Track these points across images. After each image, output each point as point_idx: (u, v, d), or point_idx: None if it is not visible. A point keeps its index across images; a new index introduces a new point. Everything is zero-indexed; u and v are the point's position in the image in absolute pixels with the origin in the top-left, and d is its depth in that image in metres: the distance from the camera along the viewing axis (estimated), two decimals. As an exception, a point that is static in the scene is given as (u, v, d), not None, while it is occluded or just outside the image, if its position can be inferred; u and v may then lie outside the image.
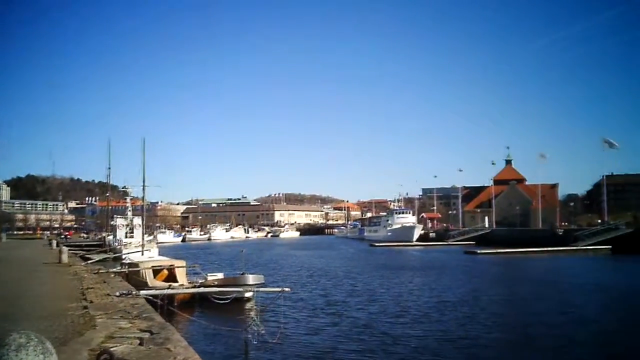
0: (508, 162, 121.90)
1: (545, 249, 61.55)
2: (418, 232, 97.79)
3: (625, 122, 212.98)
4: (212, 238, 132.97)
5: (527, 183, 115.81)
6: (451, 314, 22.14)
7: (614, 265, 48.15)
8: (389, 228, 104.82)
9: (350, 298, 26.91)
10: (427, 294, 28.38)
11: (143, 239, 49.67)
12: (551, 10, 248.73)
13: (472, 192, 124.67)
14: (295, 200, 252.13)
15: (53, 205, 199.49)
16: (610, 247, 60.77)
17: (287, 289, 22.52)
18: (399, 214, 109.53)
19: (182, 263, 29.09)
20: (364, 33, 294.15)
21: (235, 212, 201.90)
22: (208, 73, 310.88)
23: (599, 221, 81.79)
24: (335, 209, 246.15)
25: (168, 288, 23.42)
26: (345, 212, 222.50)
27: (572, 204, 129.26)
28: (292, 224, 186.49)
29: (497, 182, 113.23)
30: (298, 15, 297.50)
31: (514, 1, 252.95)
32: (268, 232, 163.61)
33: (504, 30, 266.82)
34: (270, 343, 16.00)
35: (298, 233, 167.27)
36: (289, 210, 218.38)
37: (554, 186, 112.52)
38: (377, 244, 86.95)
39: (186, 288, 25.09)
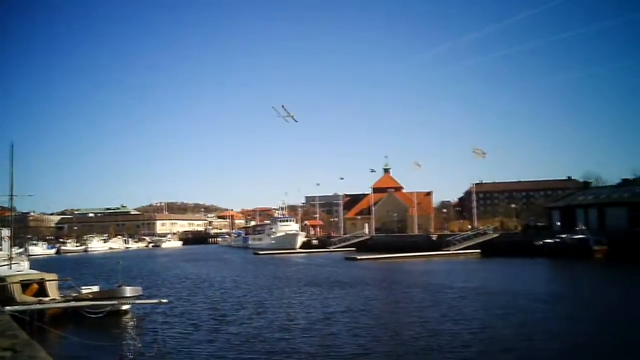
0: (386, 170, 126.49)
1: (421, 253, 64.38)
2: (301, 239, 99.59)
3: (493, 132, 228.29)
4: (88, 249, 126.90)
5: (404, 191, 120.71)
6: (340, 325, 21.65)
7: (484, 268, 50.75)
8: (272, 236, 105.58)
9: (234, 310, 26.28)
10: (316, 304, 27.98)
11: (11, 251, 46.52)
12: (435, 25, 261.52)
13: (353, 200, 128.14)
14: (177, 209, 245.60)
15: None
16: (479, 251, 64.93)
17: (164, 301, 22.22)
18: (283, 222, 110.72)
19: (54, 276, 27.56)
20: (230, 33, 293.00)
21: (114, 222, 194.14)
22: (85, 73, 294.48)
23: (470, 227, 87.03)
24: (219, 217, 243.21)
25: (37, 303, 22.36)
26: (230, 220, 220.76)
27: (445, 210, 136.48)
28: (174, 234, 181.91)
29: (376, 190, 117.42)
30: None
31: (402, 14, 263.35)
32: (149, 242, 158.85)
33: (387, 42, 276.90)
34: (147, 357, 15.66)
35: (181, 242, 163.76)
36: (171, 219, 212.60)
37: (428, 194, 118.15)
38: (260, 252, 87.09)
39: (57, 302, 23.93)
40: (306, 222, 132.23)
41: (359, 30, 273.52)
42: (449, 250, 65.83)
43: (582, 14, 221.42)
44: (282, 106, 73.66)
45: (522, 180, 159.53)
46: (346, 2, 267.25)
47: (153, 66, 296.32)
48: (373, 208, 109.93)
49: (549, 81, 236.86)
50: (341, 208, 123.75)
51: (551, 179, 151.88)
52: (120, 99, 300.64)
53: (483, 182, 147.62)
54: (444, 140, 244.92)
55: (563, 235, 57.59)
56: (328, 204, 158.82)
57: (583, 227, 56.84)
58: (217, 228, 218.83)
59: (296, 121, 78.58)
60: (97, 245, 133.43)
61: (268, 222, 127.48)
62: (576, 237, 55.45)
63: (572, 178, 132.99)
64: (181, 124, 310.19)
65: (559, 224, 66.23)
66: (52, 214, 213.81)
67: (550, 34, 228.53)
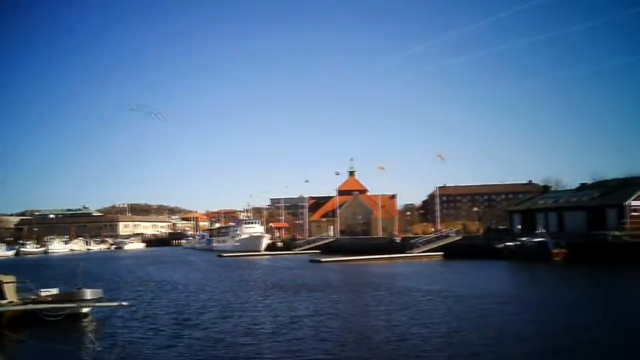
0: (351, 173, 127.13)
1: (385, 256, 64.99)
2: (266, 241, 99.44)
3: (457, 136, 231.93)
4: (49, 251, 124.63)
5: (369, 193, 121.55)
6: (306, 329, 21.32)
7: (447, 270, 51.11)
8: (237, 238, 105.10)
9: (198, 314, 25.83)
10: (282, 307, 27.65)
11: (-34, 254, 45.32)
12: (397, 29, 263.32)
13: (318, 202, 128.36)
14: (141, 211, 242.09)
15: None
16: (442, 253, 65.64)
17: (125, 304, 21.94)
18: (247, 224, 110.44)
19: (12, 278, 26.81)
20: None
21: (76, 223, 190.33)
22: (44, 71, 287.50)
23: (433, 229, 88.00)
24: (183, 219, 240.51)
25: (-6, 306, 21.84)
26: (194, 222, 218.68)
27: (409, 213, 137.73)
28: (137, 235, 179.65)
29: (341, 192, 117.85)
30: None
31: (365, 19, 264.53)
32: (111, 244, 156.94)
33: (352, 46, 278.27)
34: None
35: (144, 244, 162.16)
36: (134, 221, 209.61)
37: (393, 196, 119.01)
38: (225, 255, 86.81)
39: (15, 305, 23.33)
40: (271, 224, 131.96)
41: (330, 28, 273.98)
42: (412, 253, 66.36)
43: (544, 20, 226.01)
44: (145, 107, 71.48)
45: (485, 184, 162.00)
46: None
47: (126, 66, 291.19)
48: (338, 210, 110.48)
49: (510, 86, 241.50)
50: (306, 210, 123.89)
51: (512, 182, 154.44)
52: (83, 98, 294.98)
53: (446, 185, 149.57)
54: (408, 144, 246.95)
55: (523, 238, 58.71)
56: (293, 206, 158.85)
57: (543, 231, 57.97)
58: (181, 230, 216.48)
59: (165, 120, 76.16)
60: (57, 247, 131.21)
61: (232, 224, 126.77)
62: (536, 240, 56.57)
63: (533, 182, 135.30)
64: (146, 124, 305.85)
65: (519, 227, 67.54)
66: (11, 215, 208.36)
67: (511, 40, 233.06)
